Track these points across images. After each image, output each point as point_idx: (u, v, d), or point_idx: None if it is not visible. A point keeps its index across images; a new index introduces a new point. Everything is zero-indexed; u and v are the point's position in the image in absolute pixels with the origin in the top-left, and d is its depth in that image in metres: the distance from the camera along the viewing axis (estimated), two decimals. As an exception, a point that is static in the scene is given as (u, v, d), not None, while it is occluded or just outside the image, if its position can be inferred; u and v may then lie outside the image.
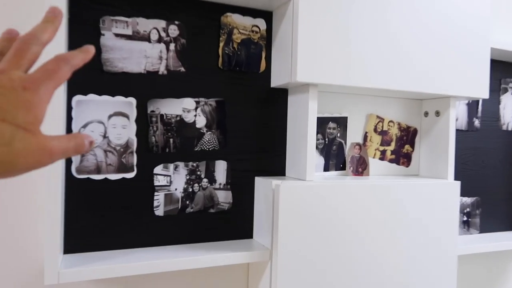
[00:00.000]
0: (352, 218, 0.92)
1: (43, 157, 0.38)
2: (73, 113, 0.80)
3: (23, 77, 0.37)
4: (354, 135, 1.08)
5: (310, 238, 0.88)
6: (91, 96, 0.81)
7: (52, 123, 0.73)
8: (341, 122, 1.05)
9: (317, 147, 1.03)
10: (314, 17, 0.86)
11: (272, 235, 0.88)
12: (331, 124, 1.04)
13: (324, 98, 1.03)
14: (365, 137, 1.09)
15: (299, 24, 0.85)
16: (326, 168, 1.05)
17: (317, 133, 1.02)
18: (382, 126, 1.10)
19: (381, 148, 1.11)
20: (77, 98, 0.80)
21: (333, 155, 1.05)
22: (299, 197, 0.87)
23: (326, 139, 1.04)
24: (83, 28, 0.80)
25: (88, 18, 0.80)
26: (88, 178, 0.82)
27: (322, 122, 1.03)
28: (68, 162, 0.80)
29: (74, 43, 0.80)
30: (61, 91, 0.78)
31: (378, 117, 1.09)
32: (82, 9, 0.80)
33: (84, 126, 0.81)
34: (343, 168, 1.06)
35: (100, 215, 0.83)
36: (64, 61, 0.40)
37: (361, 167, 1.07)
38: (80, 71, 0.81)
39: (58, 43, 0.76)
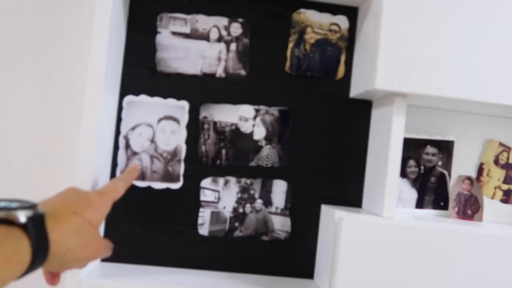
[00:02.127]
0: (445, 277, 0.67)
1: (98, 251, 0.49)
2: (123, 114, 0.76)
3: (97, 190, 0.53)
4: (462, 166, 0.82)
5: (379, 294, 0.67)
6: (142, 97, 0.77)
7: (103, 124, 0.69)
8: (445, 148, 0.81)
9: (408, 177, 0.80)
10: (404, 6, 0.67)
11: (330, 281, 0.69)
12: (430, 149, 0.81)
13: (420, 114, 0.80)
14: (480, 170, 0.82)
15: (382, 16, 0.67)
16: (419, 205, 0.81)
17: (410, 158, 0.80)
18: (508, 158, 0.82)
19: (505, 187, 0.82)
20: (128, 99, 0.76)
21: (431, 189, 0.81)
22: (368, 238, 0.67)
23: (422, 167, 0.81)
24: (140, 25, 0.76)
25: (146, 15, 0.76)
26: (132, 184, 0.76)
27: (417, 145, 0.80)
28: (113, 165, 0.76)
29: (131, 40, 0.76)
30: (114, 90, 0.75)
31: (502, 144, 0.82)
32: (142, 5, 0.76)
33: (133, 128, 0.76)
34: (445, 207, 0.81)
35: (140, 225, 0.77)
36: (121, 180, 0.61)
37: (471, 209, 0.81)
38: (133, 71, 0.77)
39: (119, 39, 0.73)
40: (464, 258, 0.67)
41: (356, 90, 0.77)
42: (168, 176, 0.77)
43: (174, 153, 0.77)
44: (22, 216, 0.36)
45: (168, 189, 0.77)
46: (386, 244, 0.67)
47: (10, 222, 0.36)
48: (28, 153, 0.82)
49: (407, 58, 0.67)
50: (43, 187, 0.81)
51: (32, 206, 0.38)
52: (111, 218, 0.76)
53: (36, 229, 0.37)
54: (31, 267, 0.37)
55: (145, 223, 0.77)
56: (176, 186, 0.77)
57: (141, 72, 0.77)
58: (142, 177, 0.76)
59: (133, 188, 0.76)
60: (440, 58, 0.67)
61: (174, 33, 0.76)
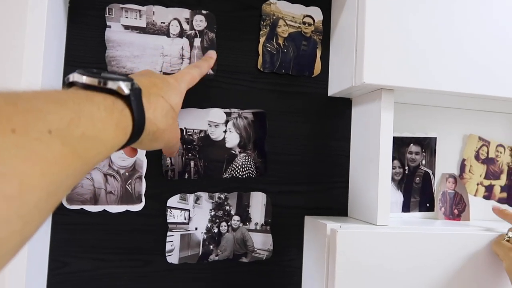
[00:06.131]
0: (446, 283, 0.62)
1: (177, 137, 0.49)
2: (68, 125, 0.63)
3: (173, 75, 0.49)
4: (446, 164, 0.78)
5: (382, 312, 0.59)
6: (91, 104, 0.64)
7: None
8: (427, 145, 0.76)
9: (392, 179, 0.75)
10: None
11: (326, 303, 0.61)
12: (413, 148, 0.76)
13: (402, 112, 0.76)
14: (462, 167, 0.79)
15: (366, 9, 0.61)
16: (406, 208, 0.76)
17: (393, 159, 0.75)
18: (488, 152, 0.79)
19: (486, 182, 0.79)
20: (73, 106, 0.63)
21: (416, 190, 0.76)
22: (366, 250, 0.59)
23: (407, 167, 0.76)
24: (85, 18, 0.64)
25: (92, 6, 0.64)
26: (81, 209, 0.63)
27: (400, 144, 0.75)
28: (58, 188, 0.62)
29: (73, 36, 0.64)
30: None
31: (481, 139, 0.79)
32: (85, -5, 0.64)
33: (81, 141, 0.63)
34: (431, 209, 0.77)
35: (95, 259, 0.64)
36: (196, 67, 0.55)
37: (457, 208, 0.77)
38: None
39: (59, 37, 0.60)
40: (462, 259, 0.62)
41: (335, 88, 0.70)
42: (127, 197, 0.64)
43: (134, 169, 0.65)
44: (126, 88, 0.36)
45: (127, 212, 0.65)
46: (385, 253, 0.60)
47: (113, 93, 0.35)
48: None
49: (394, 51, 0.61)
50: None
51: (131, 79, 0.37)
52: (57, 253, 0.62)
53: (137, 102, 0.37)
54: (131, 139, 0.37)
55: (101, 256, 0.64)
56: (137, 208, 0.65)
57: (88, 73, 0.64)
58: (95, 200, 0.63)
59: (83, 213, 0.63)
60: (429, 50, 0.62)
61: (127, 27, 0.65)
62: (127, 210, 0.65)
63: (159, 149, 0.46)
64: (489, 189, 0.79)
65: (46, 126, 0.27)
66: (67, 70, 0.63)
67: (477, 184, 0.79)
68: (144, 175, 0.65)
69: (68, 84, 0.36)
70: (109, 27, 0.64)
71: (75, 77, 0.35)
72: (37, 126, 0.26)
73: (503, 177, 0.80)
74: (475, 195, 0.79)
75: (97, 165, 0.64)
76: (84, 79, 0.35)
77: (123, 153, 0.63)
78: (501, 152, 0.80)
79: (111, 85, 0.35)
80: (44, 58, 0.55)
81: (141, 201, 0.65)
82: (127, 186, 0.64)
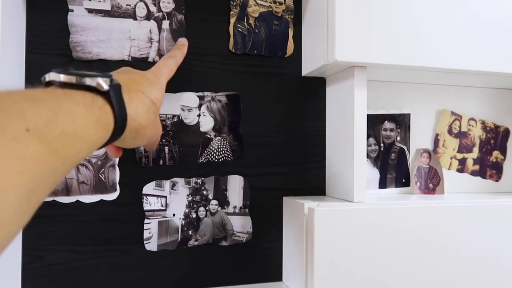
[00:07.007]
0: (424, 256, 0.63)
1: (159, 133, 0.49)
2: (34, 115, 0.60)
3: (151, 70, 0.49)
4: (420, 139, 0.79)
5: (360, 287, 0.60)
6: (57, 92, 0.61)
7: None
8: (402, 122, 0.77)
9: (368, 156, 0.76)
10: (358, -32, 0.60)
11: (306, 281, 0.62)
12: (388, 124, 0.77)
13: (376, 89, 0.76)
14: (436, 142, 0.80)
15: (335, -20, 0.60)
16: (382, 184, 0.77)
17: (369, 136, 0.75)
18: (460, 126, 0.81)
19: (459, 156, 0.81)
20: (38, 95, 0.61)
21: (392, 167, 0.77)
22: (343, 227, 0.60)
23: (382, 144, 0.77)
24: (45, 2, 0.61)
25: (52, -10, 0.61)
26: (53, 201, 0.61)
27: (375, 122, 0.76)
28: (28, 180, 0.60)
29: (33, 21, 0.61)
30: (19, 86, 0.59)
31: (453, 113, 0.80)
32: (44, -22, 0.61)
33: (48, 131, 0.61)
34: (407, 184, 0.78)
35: (70, 251, 0.62)
36: (170, 57, 0.55)
37: (432, 182, 0.78)
38: (45, 58, 0.62)
39: (19, 23, 0.57)
40: (437, 233, 0.63)
41: (309, 67, 0.70)
42: (101, 186, 0.63)
43: (106, 157, 0.63)
44: (105, 84, 0.35)
45: (102, 202, 0.63)
46: (362, 230, 0.61)
47: (92, 90, 0.35)
48: None
49: (365, 28, 0.61)
50: None
51: (109, 75, 0.37)
52: (31, 247, 0.61)
53: (117, 97, 0.36)
54: (112, 136, 0.37)
55: (76, 247, 0.63)
56: (111, 197, 0.64)
57: (53, 60, 0.61)
58: (67, 190, 0.61)
59: (55, 205, 0.61)
60: (400, 26, 0.62)
61: (90, 11, 0.62)
62: (101, 200, 0.63)
63: (143, 145, 0.46)
64: (462, 162, 0.81)
65: (24, 125, 0.27)
66: (30, 59, 0.61)
67: (451, 158, 0.80)
68: (117, 163, 0.64)
69: (45, 84, 0.35)
70: (72, 10, 0.61)
71: (51, 76, 0.35)
72: (13, 125, 0.26)
73: (475, 150, 0.82)
74: (449, 169, 0.80)
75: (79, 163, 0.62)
76: (61, 77, 0.34)
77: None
78: (473, 126, 0.81)
79: (89, 81, 0.35)
80: (2, 47, 0.52)
81: (116, 189, 0.64)
82: (100, 175, 0.63)
